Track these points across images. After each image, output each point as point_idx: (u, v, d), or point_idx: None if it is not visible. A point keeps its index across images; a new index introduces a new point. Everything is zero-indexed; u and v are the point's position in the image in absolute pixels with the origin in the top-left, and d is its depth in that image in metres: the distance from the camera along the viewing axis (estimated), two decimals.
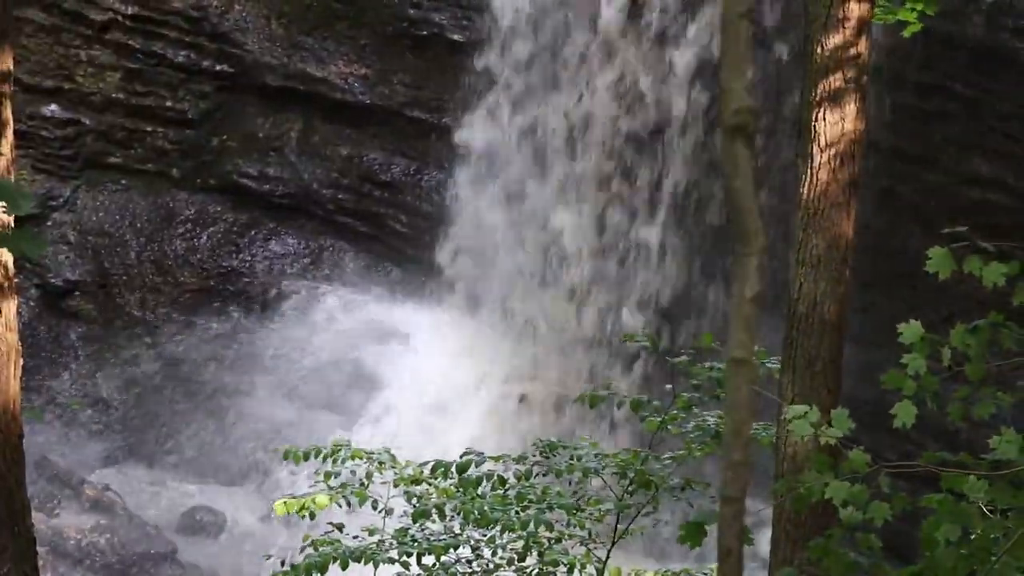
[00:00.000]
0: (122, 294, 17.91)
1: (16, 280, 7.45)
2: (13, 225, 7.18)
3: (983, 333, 5.54)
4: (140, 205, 18.16)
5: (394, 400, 16.86)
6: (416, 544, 7.91)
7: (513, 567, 8.04)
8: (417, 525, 7.99)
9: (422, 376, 16.95)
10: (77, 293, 17.78)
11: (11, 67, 7.42)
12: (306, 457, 8.15)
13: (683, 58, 16.14)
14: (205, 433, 17.07)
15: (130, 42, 17.95)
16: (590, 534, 8.17)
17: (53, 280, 17.71)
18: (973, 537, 5.28)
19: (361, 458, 8.20)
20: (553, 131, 16.90)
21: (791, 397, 7.36)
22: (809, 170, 7.54)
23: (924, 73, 14.83)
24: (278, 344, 17.55)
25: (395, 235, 18.06)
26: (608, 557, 8.09)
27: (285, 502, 8.03)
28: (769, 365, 7.93)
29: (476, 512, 7.78)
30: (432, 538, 7.97)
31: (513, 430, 16.40)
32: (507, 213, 17.33)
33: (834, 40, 7.49)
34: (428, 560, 7.92)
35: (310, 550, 7.87)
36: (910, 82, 14.93)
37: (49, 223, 17.88)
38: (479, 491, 8.00)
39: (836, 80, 7.46)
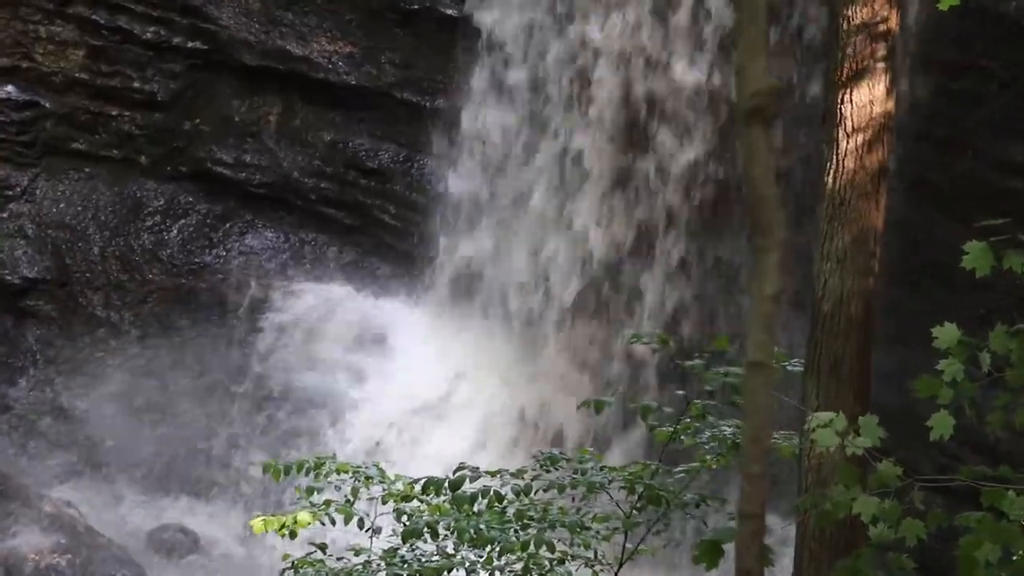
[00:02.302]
0: (84, 293, 17.90)
1: None
2: None
3: None
4: (104, 195, 18.15)
5: (382, 409, 16.85)
6: (406, 566, 7.91)
7: None
8: (407, 545, 7.99)
9: (412, 383, 16.93)
10: (36, 292, 17.77)
11: None
12: (287, 471, 8.15)
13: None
14: (176, 444, 17.07)
15: (94, 17, 17.94)
16: (596, 554, 8.17)
17: (9, 277, 17.70)
18: (1015, 558, 5.28)
19: (347, 472, 8.21)
20: (558, 121, 16.90)
21: (815, 403, 7.36)
22: (834, 157, 7.55)
23: (957, 51, 14.82)
24: (255, 347, 17.54)
25: (383, 228, 18.05)
26: None
27: (264, 519, 8.03)
28: (791, 369, 7.93)
29: (471, 531, 7.79)
30: (424, 559, 7.97)
31: (511, 441, 16.39)
32: (506, 204, 17.31)
33: (862, 15, 7.49)
34: None
35: (290, 572, 7.87)
36: (942, 61, 14.92)
37: (5, 215, 17.88)
38: (475, 508, 8.00)
39: (864, 59, 7.46)
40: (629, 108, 16.48)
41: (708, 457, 8.09)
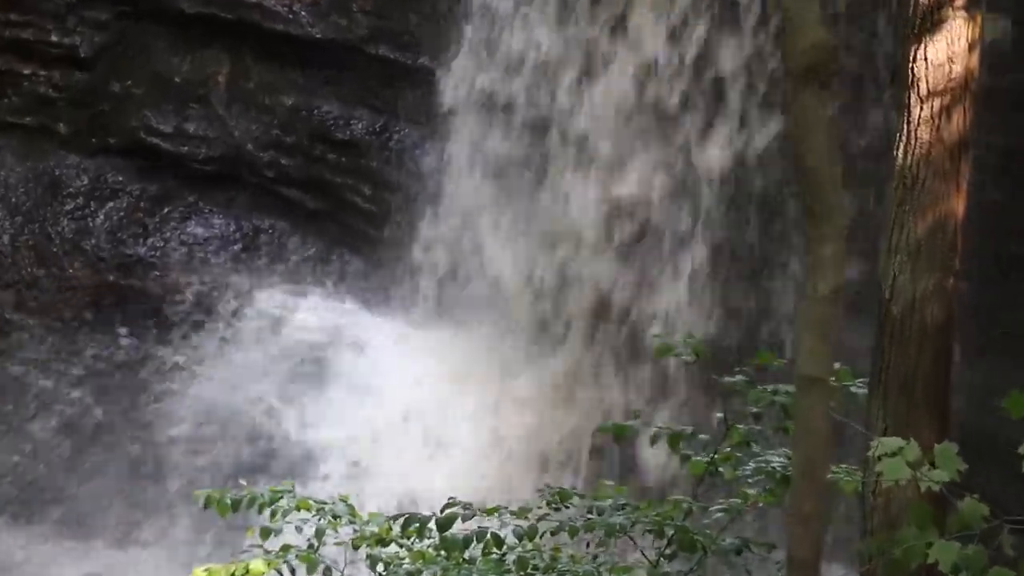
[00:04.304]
0: None
1: None
2: None
3: None
4: (15, 172, 18.17)
5: (352, 436, 16.85)
6: None
7: None
8: None
9: (389, 404, 16.94)
10: None
11: None
12: (235, 507, 8.16)
13: None
14: (103, 480, 17.08)
15: None
16: None
17: None
18: None
19: (309, 509, 8.22)
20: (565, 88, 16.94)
21: (882, 427, 7.37)
22: (905, 127, 7.55)
23: None
24: (199, 360, 17.55)
25: (355, 212, 18.07)
26: None
27: (208, 569, 8.05)
28: (854, 390, 7.94)
29: None
30: None
31: (509, 475, 16.40)
32: (502, 188, 17.34)
33: None
34: None
35: None
36: None
37: None
38: (467, 555, 8.01)
39: (941, 7, 7.47)
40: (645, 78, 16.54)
41: (752, 493, 8.11)
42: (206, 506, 8.25)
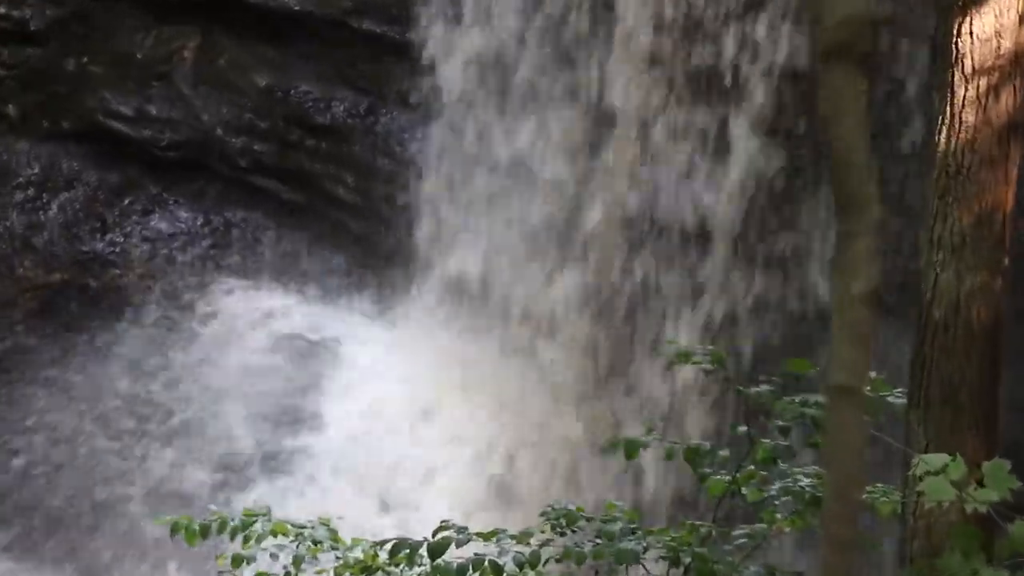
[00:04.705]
0: None
1: None
2: None
3: None
4: None
5: (334, 455, 16.86)
6: None
7: None
8: None
9: (377, 420, 16.94)
10: None
11: None
12: (204, 533, 8.17)
13: None
14: (55, 502, 17.09)
15: None
16: None
17: None
18: None
19: (286, 534, 8.23)
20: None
21: (923, 443, 7.38)
22: (948, 110, 7.55)
23: None
24: (162, 368, 17.56)
25: (336, 204, 18.08)
26: None
27: None
28: (892, 400, 7.94)
29: None
30: None
31: (510, 498, 16.42)
32: (506, 173, 17.35)
33: None
34: None
35: None
36: None
37: None
38: None
39: None
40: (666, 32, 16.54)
41: (779, 516, 8.12)
42: (173, 533, 8.27)
